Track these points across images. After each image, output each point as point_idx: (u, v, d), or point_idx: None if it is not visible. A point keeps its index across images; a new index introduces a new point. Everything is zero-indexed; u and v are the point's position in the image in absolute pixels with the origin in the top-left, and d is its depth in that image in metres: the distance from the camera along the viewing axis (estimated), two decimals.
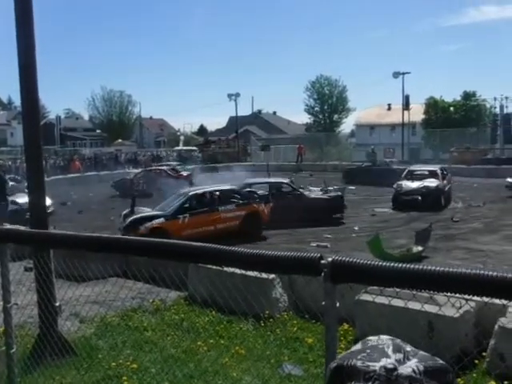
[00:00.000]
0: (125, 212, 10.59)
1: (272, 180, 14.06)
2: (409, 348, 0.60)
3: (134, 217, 10.02)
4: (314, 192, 13.10)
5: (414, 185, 14.66)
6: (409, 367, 0.56)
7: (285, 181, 13.45)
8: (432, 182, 14.64)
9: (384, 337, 0.63)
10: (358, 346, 0.62)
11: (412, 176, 15.61)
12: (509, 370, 3.25)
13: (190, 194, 10.73)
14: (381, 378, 0.55)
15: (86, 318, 4.56)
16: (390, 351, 0.58)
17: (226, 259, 1.89)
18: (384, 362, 0.56)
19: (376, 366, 0.56)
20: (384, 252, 7.77)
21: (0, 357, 2.46)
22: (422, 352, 0.59)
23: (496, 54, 75.72)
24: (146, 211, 10.65)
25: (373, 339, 0.63)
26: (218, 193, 11.08)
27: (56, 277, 3.49)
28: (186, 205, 10.44)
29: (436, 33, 75.02)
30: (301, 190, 13.00)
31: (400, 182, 15.00)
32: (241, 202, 10.96)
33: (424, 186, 14.37)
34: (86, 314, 4.46)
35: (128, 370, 3.48)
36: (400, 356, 0.57)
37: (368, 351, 0.59)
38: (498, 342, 3.57)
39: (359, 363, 0.57)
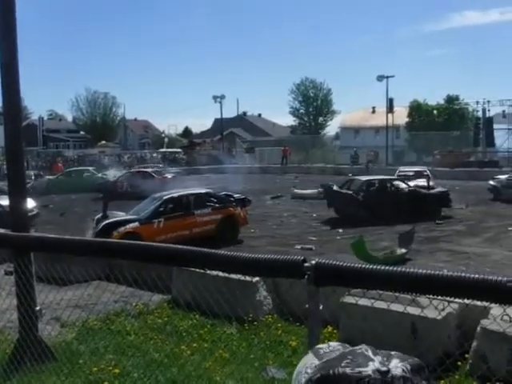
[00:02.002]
0: (97, 216, 10.30)
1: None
2: (382, 351, 0.59)
3: (107, 221, 9.76)
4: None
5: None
6: (398, 367, 0.56)
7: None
8: (423, 183, 15.26)
9: (334, 343, 0.62)
10: (313, 355, 0.60)
11: (403, 177, 16.11)
12: (491, 371, 3.31)
13: (165, 197, 10.50)
14: (377, 382, 0.54)
15: (67, 323, 4.48)
16: (371, 354, 0.57)
17: (209, 262, 1.89)
18: (372, 365, 0.56)
19: (368, 370, 0.55)
20: (368, 254, 7.86)
21: None
22: (392, 352, 0.59)
23: (479, 59, 77.72)
24: (120, 215, 10.39)
25: (323, 347, 0.62)
26: (193, 196, 10.93)
27: (37, 280, 3.42)
28: (161, 209, 10.25)
29: (420, 37, 76.55)
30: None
31: (394, 183, 15.54)
32: (217, 205, 10.86)
33: (418, 186, 14.93)
34: (67, 318, 4.37)
35: (110, 375, 3.43)
36: (380, 358, 0.57)
37: (349, 357, 0.57)
38: (480, 344, 3.62)
39: (348, 370, 0.55)
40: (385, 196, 12.66)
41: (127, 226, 9.66)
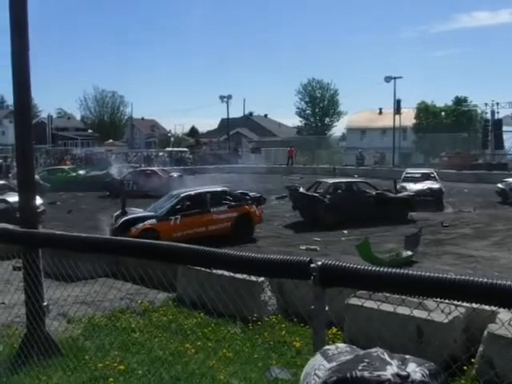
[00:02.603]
0: (116, 213, 10.53)
1: None
2: (396, 355, 0.58)
3: (126, 218, 9.97)
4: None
5: (418, 186, 15.27)
6: (416, 372, 0.55)
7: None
8: (434, 184, 15.34)
9: (341, 345, 0.61)
10: (322, 357, 0.59)
11: (412, 178, 16.11)
12: (498, 376, 3.28)
13: (182, 195, 10.71)
14: None
15: (74, 319, 4.52)
16: (387, 358, 0.56)
17: (215, 261, 1.90)
18: (391, 369, 0.54)
19: (387, 374, 0.53)
20: (373, 256, 7.83)
21: None
22: (406, 356, 0.58)
23: (488, 60, 77.01)
24: (138, 212, 10.60)
25: (331, 348, 0.61)
26: (209, 194, 11.04)
27: (44, 276, 3.46)
28: (178, 206, 10.43)
29: (428, 38, 75.92)
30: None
31: (403, 184, 15.65)
32: (233, 203, 10.95)
33: (428, 188, 15.00)
34: (74, 314, 4.42)
35: (115, 372, 3.46)
36: (397, 362, 0.56)
37: (366, 360, 0.56)
38: (487, 349, 3.58)
39: (366, 374, 0.53)
40: (351, 199, 12.50)
41: (145, 223, 9.85)
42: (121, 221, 9.88)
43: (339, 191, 13.06)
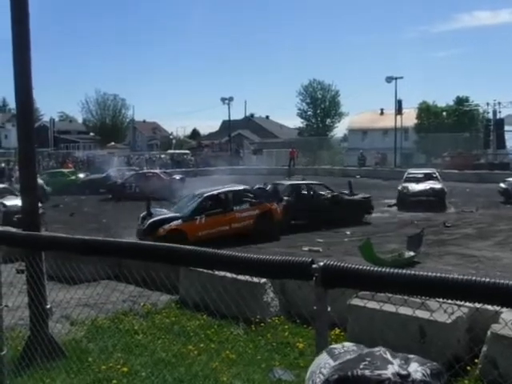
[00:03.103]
0: (142, 214, 10.77)
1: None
2: (399, 354, 0.58)
3: (153, 219, 10.22)
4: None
5: (420, 186, 15.32)
6: (417, 371, 0.54)
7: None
8: (436, 184, 15.33)
9: (348, 344, 0.61)
10: (328, 355, 0.59)
11: (414, 179, 16.11)
12: (502, 376, 3.27)
13: (205, 195, 10.94)
14: None
15: (77, 321, 4.54)
16: (389, 357, 0.56)
17: (217, 263, 1.90)
18: (392, 368, 0.54)
19: (387, 373, 0.54)
20: (376, 257, 7.82)
21: None
22: (410, 355, 0.58)
23: (489, 59, 76.63)
24: (163, 213, 10.85)
25: (338, 347, 0.61)
26: (232, 193, 11.33)
27: (47, 279, 3.47)
28: (202, 206, 10.69)
29: (429, 38, 75.73)
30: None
31: (405, 185, 15.66)
32: (254, 201, 11.20)
33: (430, 188, 15.00)
34: (77, 316, 4.43)
35: (118, 374, 3.47)
36: (399, 361, 0.56)
37: (368, 359, 0.56)
38: (491, 349, 3.57)
39: (367, 372, 0.54)
40: (306, 201, 12.41)
41: (171, 224, 10.10)
42: (148, 222, 10.10)
43: (295, 193, 12.83)
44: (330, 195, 13.00)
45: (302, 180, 16.42)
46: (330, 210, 12.21)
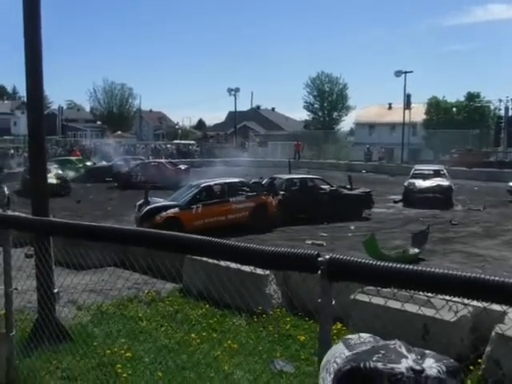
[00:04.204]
0: (139, 202, 10.91)
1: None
2: (416, 349, 0.56)
3: (150, 206, 10.36)
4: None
5: (427, 183, 15.22)
6: (432, 368, 0.53)
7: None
8: (443, 181, 15.24)
9: (365, 335, 0.61)
10: (344, 345, 0.59)
11: (420, 175, 16.00)
12: (505, 377, 3.26)
13: (202, 185, 11.09)
14: (410, 381, 0.52)
15: (83, 306, 4.61)
16: (404, 351, 0.55)
17: (223, 253, 1.92)
18: (406, 362, 0.53)
19: (401, 367, 0.53)
20: (380, 252, 7.81)
21: (0, 338, 2.50)
22: (426, 351, 0.57)
23: (502, 55, 75.05)
24: (160, 201, 10.96)
25: (354, 337, 0.61)
26: (228, 185, 11.43)
27: (55, 264, 3.52)
28: (199, 195, 10.83)
29: (440, 31, 74.56)
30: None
31: (412, 181, 15.58)
32: (250, 193, 11.36)
33: (437, 185, 14.91)
34: (83, 301, 4.50)
35: (122, 358, 3.53)
36: (414, 356, 0.55)
37: (382, 351, 0.55)
38: (495, 349, 3.54)
39: (380, 365, 0.53)
40: (306, 195, 12.35)
41: (168, 211, 10.24)
42: (145, 209, 10.24)
43: (293, 188, 12.78)
44: (328, 189, 12.93)
45: (307, 173, 16.38)
46: (329, 204, 12.16)
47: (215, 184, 11.41)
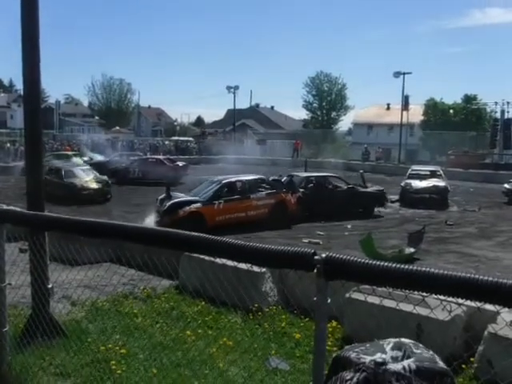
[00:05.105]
0: (161, 197, 11.08)
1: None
2: (419, 350, 0.58)
3: (174, 201, 10.56)
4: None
5: (423, 184, 15.37)
6: (400, 364, 0.56)
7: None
8: (439, 182, 15.34)
9: (405, 340, 0.63)
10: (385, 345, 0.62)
11: (417, 176, 16.08)
12: (497, 376, 3.30)
13: (224, 181, 11.33)
14: (368, 371, 0.55)
15: (78, 302, 4.59)
16: (388, 348, 0.58)
17: (219, 250, 1.91)
18: (378, 356, 0.57)
19: (367, 359, 0.57)
20: (376, 252, 7.83)
21: None
22: (427, 354, 0.58)
23: (500, 58, 75.86)
24: (181, 196, 11.12)
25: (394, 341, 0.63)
26: (249, 181, 11.67)
27: (50, 259, 3.50)
28: (221, 191, 11.01)
29: (439, 34, 75.01)
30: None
31: (408, 181, 15.71)
32: (270, 191, 11.52)
33: (434, 186, 15.01)
34: (78, 297, 4.48)
35: (117, 355, 3.52)
36: (398, 354, 0.57)
37: (367, 345, 0.60)
38: (487, 348, 3.58)
39: (353, 355, 0.58)
40: (324, 193, 12.72)
41: (191, 206, 10.46)
42: (168, 203, 10.42)
43: (312, 185, 13.07)
44: (345, 187, 13.21)
45: (304, 172, 16.47)
46: (346, 201, 12.48)
47: (236, 180, 11.60)
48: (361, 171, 15.29)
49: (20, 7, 3.77)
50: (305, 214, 11.75)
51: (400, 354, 0.58)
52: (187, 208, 10.34)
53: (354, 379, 0.55)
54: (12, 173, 19.90)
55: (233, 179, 11.59)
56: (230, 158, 27.68)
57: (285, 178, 13.13)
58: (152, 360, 3.47)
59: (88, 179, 15.18)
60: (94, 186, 14.89)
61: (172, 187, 11.14)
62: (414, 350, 0.59)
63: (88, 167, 17.05)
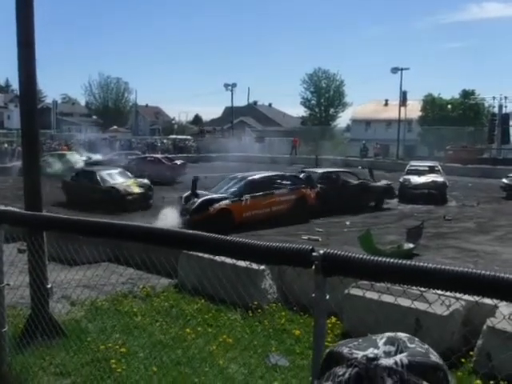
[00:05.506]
0: (186, 194, 11.19)
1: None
2: (413, 345, 0.58)
3: (204, 198, 10.70)
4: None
5: (422, 179, 15.43)
6: (393, 359, 0.55)
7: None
8: (438, 177, 15.41)
9: (401, 334, 0.63)
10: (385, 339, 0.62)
11: (415, 171, 16.13)
12: (495, 369, 3.32)
13: (249, 178, 11.57)
14: (360, 366, 0.55)
15: (77, 301, 4.59)
16: (381, 343, 0.58)
17: (218, 248, 1.91)
18: (370, 351, 0.57)
19: (359, 354, 0.57)
20: (375, 248, 7.84)
21: None
22: (421, 349, 0.58)
23: (497, 53, 75.83)
24: (205, 194, 11.23)
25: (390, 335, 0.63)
26: (272, 178, 12.00)
27: (49, 259, 3.50)
28: (246, 188, 11.22)
29: (436, 29, 74.92)
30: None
31: (407, 177, 15.79)
32: (291, 186, 11.82)
33: (432, 181, 15.06)
34: (77, 297, 4.48)
35: (117, 354, 3.52)
36: (391, 349, 0.57)
37: (360, 341, 0.60)
38: (486, 342, 3.60)
39: (346, 350, 0.58)
40: (340, 188, 13.18)
41: (221, 203, 10.62)
42: (199, 201, 10.55)
43: (329, 180, 13.47)
44: (357, 182, 13.69)
45: (303, 169, 16.61)
46: (359, 195, 13.03)
47: (260, 177, 11.85)
48: (369, 167, 15.93)
49: (15, 7, 3.75)
50: (323, 209, 12.11)
51: (393, 348, 0.58)
52: (217, 205, 10.49)
53: (346, 375, 0.55)
54: (10, 173, 19.83)
55: (256, 176, 11.83)
56: (228, 156, 27.66)
57: (302, 174, 13.48)
58: (152, 358, 3.47)
59: (129, 183, 13.38)
60: (138, 190, 13.10)
61: (195, 184, 11.14)
62: (408, 345, 0.59)
63: (121, 169, 15.21)
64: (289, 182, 12.04)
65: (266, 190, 11.42)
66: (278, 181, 11.95)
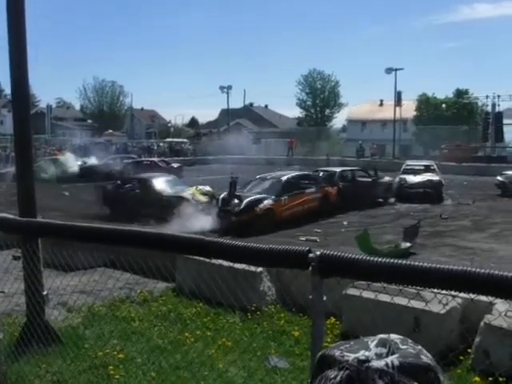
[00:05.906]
0: (222, 196, 11.41)
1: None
2: (405, 346, 0.58)
3: (249, 199, 11.07)
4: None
5: (418, 178, 15.60)
6: (384, 361, 0.55)
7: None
8: (433, 176, 15.53)
9: (393, 336, 0.62)
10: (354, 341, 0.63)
11: (411, 170, 16.23)
12: (493, 366, 3.32)
13: (284, 178, 12.22)
14: (351, 368, 0.55)
15: (73, 308, 4.55)
16: (372, 345, 0.58)
17: (214, 251, 1.90)
18: (361, 353, 0.57)
19: (351, 356, 0.57)
20: (372, 247, 7.84)
21: None
22: (413, 350, 0.58)
23: (489, 52, 76.49)
24: (244, 195, 11.52)
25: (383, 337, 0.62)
26: (302, 177, 12.88)
27: (44, 266, 3.46)
28: (283, 188, 11.73)
29: (429, 30, 75.38)
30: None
31: (403, 176, 15.95)
32: (318, 185, 12.65)
33: (428, 180, 15.18)
34: (74, 303, 4.44)
35: (114, 360, 3.49)
36: (382, 351, 0.57)
37: (352, 343, 0.60)
38: (484, 339, 3.61)
39: (337, 353, 0.58)
40: (356, 185, 13.94)
41: (265, 203, 11.00)
42: (245, 201, 10.91)
43: (346, 178, 14.28)
44: (370, 179, 14.55)
45: (299, 170, 16.95)
46: (371, 192, 13.90)
47: (292, 177, 12.57)
48: (374, 166, 16.87)
49: (6, 13, 3.72)
50: (344, 205, 12.75)
51: (384, 350, 0.57)
52: (262, 205, 10.91)
53: (338, 377, 0.55)
54: (3, 179, 19.70)
55: (289, 176, 12.51)
56: (225, 158, 27.65)
57: (321, 173, 14.37)
58: (150, 363, 3.45)
59: (193, 191, 12.04)
60: (203, 199, 11.79)
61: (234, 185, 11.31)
62: (400, 346, 0.58)
63: (174, 177, 14.11)
64: (313, 181, 12.82)
65: (297, 189, 11.97)
66: (306, 180, 12.72)
